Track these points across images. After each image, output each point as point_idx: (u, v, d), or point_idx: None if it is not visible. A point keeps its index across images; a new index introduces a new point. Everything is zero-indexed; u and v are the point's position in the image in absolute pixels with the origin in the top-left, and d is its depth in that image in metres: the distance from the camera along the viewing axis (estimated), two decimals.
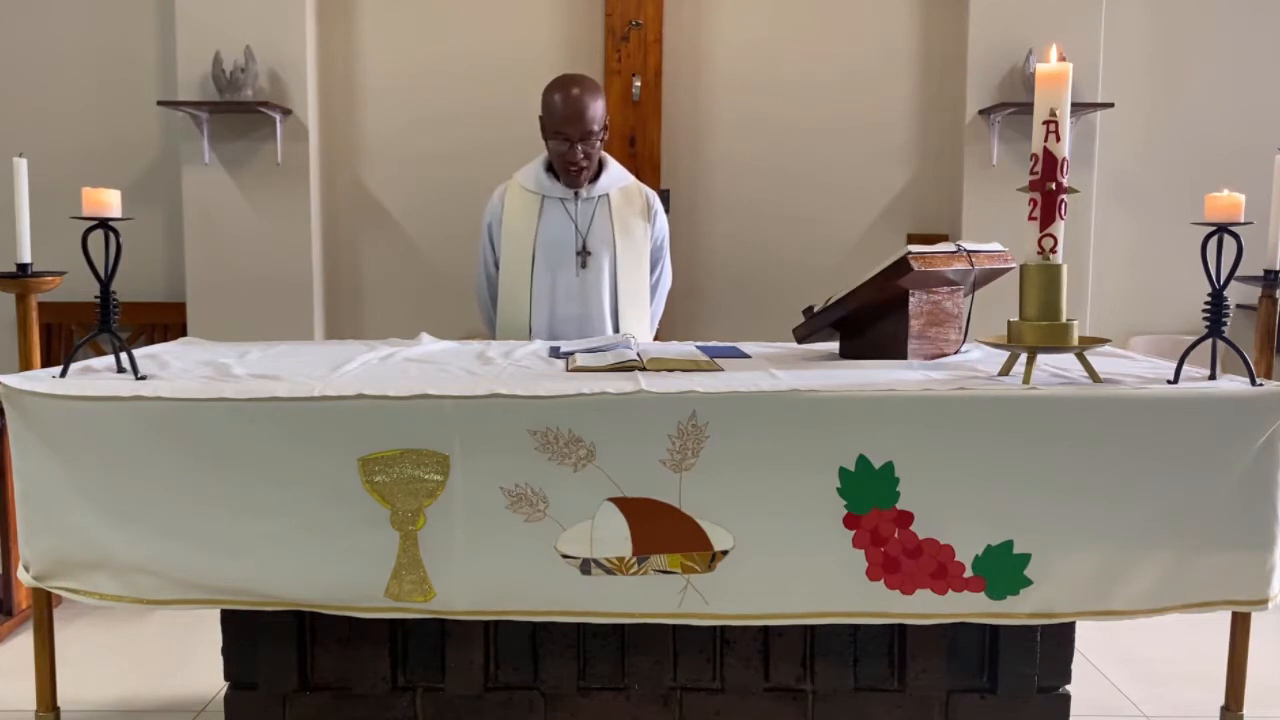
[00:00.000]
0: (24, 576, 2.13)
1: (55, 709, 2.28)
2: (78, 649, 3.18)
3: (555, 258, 3.05)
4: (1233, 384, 2.12)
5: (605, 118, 3.01)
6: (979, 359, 2.44)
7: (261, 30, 4.29)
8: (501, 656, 2.32)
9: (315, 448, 2.02)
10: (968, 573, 2.06)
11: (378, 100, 4.62)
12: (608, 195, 3.09)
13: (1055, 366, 2.29)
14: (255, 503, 2.03)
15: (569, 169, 3.00)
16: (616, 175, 3.14)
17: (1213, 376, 2.16)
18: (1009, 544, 2.05)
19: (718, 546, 2.05)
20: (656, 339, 3.29)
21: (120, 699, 2.89)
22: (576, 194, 3.06)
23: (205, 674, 2.91)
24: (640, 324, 3.13)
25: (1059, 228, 2.10)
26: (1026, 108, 4.04)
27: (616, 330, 3.07)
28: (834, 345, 2.57)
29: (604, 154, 3.13)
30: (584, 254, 3.05)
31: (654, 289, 3.22)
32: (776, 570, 2.06)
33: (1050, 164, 2.09)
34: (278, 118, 4.31)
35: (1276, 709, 2.85)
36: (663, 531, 2.04)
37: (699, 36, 4.61)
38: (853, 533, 2.05)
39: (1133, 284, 4.74)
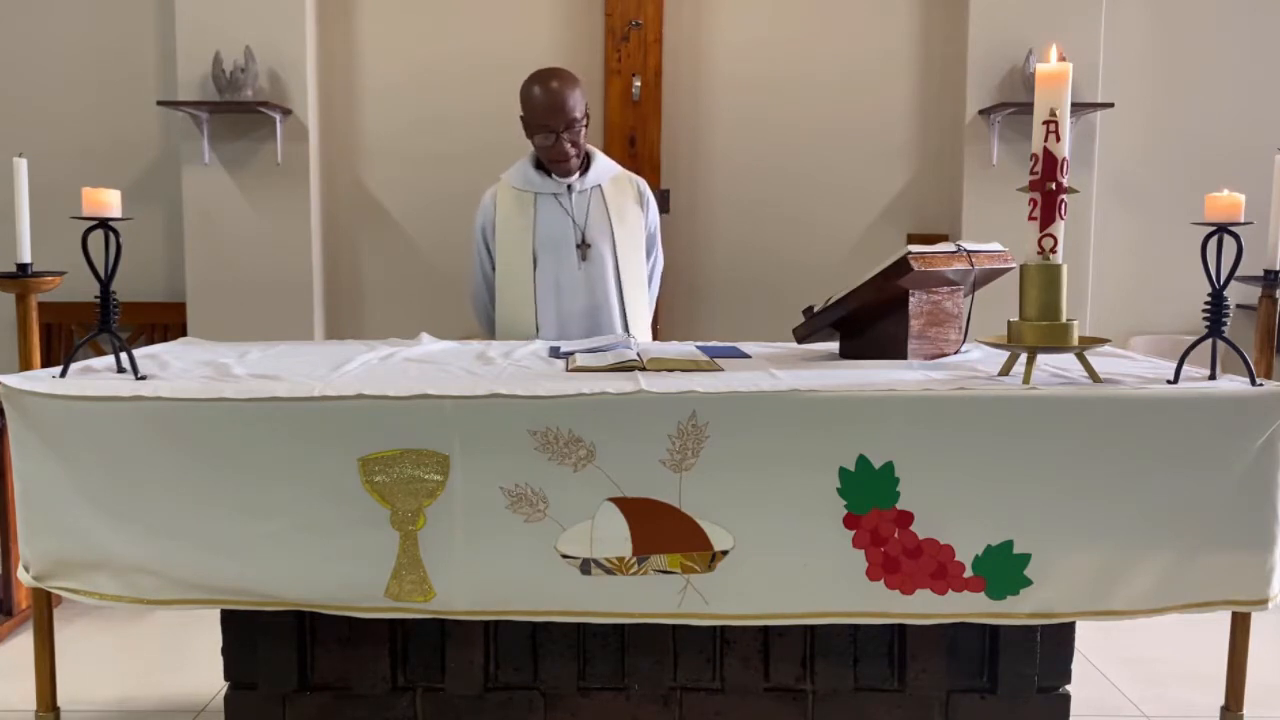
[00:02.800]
0: (24, 576, 2.13)
1: (55, 709, 2.28)
2: (78, 649, 3.18)
3: (556, 253, 3.04)
4: (1233, 384, 2.12)
5: (585, 104, 3.00)
6: (979, 359, 2.44)
7: (261, 30, 4.29)
8: (501, 656, 2.32)
9: (315, 448, 2.02)
10: (968, 573, 2.06)
11: (378, 100, 4.62)
12: (600, 186, 3.10)
13: (1055, 366, 2.29)
14: (255, 503, 2.03)
15: (557, 161, 3.00)
16: (605, 166, 3.14)
17: (1213, 376, 2.16)
18: (1009, 544, 2.05)
19: (718, 546, 2.05)
20: (653, 329, 3.29)
21: (120, 699, 2.89)
22: (570, 187, 3.06)
23: (205, 674, 2.91)
24: (643, 310, 3.15)
25: (1059, 228, 2.10)
26: (1026, 108, 4.04)
27: (623, 318, 3.08)
28: (834, 345, 2.57)
29: (590, 147, 3.12)
30: (584, 246, 3.04)
31: (650, 276, 3.23)
32: (776, 570, 2.06)
33: (1050, 164, 2.09)
34: (278, 118, 4.31)
35: (1276, 709, 2.85)
36: (663, 531, 2.04)
37: (699, 36, 4.61)
38: (853, 533, 2.05)
39: (1133, 284, 4.74)
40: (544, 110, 2.94)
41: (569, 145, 2.97)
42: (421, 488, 2.03)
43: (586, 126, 3.03)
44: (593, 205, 3.07)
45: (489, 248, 3.13)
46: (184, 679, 2.99)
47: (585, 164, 3.10)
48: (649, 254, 3.20)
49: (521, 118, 3.01)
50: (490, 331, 3.21)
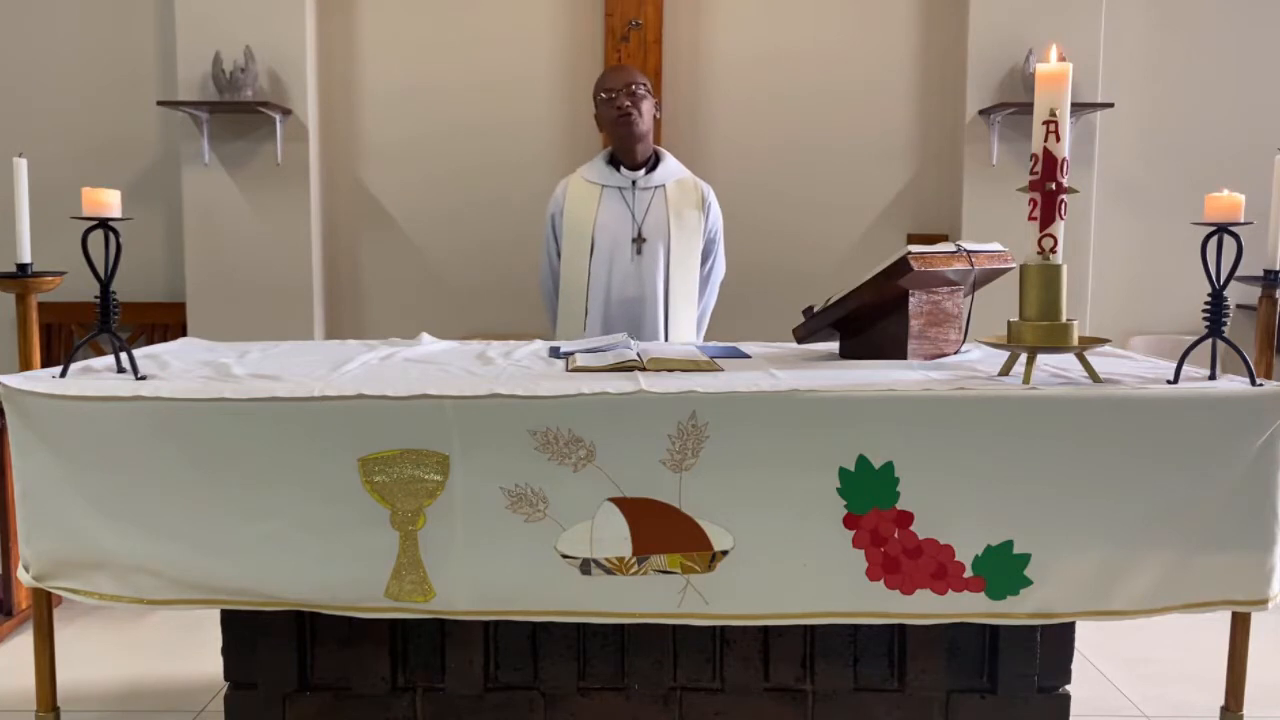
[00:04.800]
0: (24, 576, 2.13)
1: (55, 709, 2.28)
2: (78, 649, 3.18)
3: (612, 244, 3.16)
4: (1233, 384, 2.12)
5: (651, 89, 3.18)
6: (979, 359, 2.44)
7: (261, 30, 4.29)
8: (501, 656, 2.32)
9: (315, 448, 2.02)
10: (968, 573, 2.06)
11: (378, 100, 4.62)
12: (664, 186, 3.22)
13: (1055, 366, 2.29)
14: (255, 503, 2.03)
15: (618, 119, 3.12)
16: (673, 168, 3.27)
17: (1213, 376, 2.16)
18: (1009, 544, 2.05)
19: (718, 546, 2.05)
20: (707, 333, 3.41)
21: (120, 699, 2.89)
22: (634, 183, 3.17)
23: (205, 674, 2.91)
24: (688, 311, 3.24)
25: (1059, 228, 2.10)
26: (1026, 108, 4.04)
27: (666, 316, 3.17)
28: (834, 345, 2.57)
29: (660, 148, 3.28)
30: (639, 241, 3.15)
31: (707, 279, 3.33)
32: (776, 570, 2.06)
33: (1050, 164, 2.09)
34: (278, 118, 4.31)
35: (1276, 709, 2.85)
36: (663, 531, 2.04)
37: (699, 37, 4.60)
38: (853, 533, 2.05)
39: (1133, 284, 4.74)
40: (607, 75, 3.18)
41: (629, 102, 3.09)
42: (421, 488, 2.03)
43: (654, 108, 3.19)
44: (654, 204, 3.18)
45: (556, 235, 3.26)
46: (184, 679, 2.99)
47: (654, 164, 3.23)
48: (707, 259, 3.31)
49: (595, 115, 3.22)
50: (553, 317, 3.32)
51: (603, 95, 3.14)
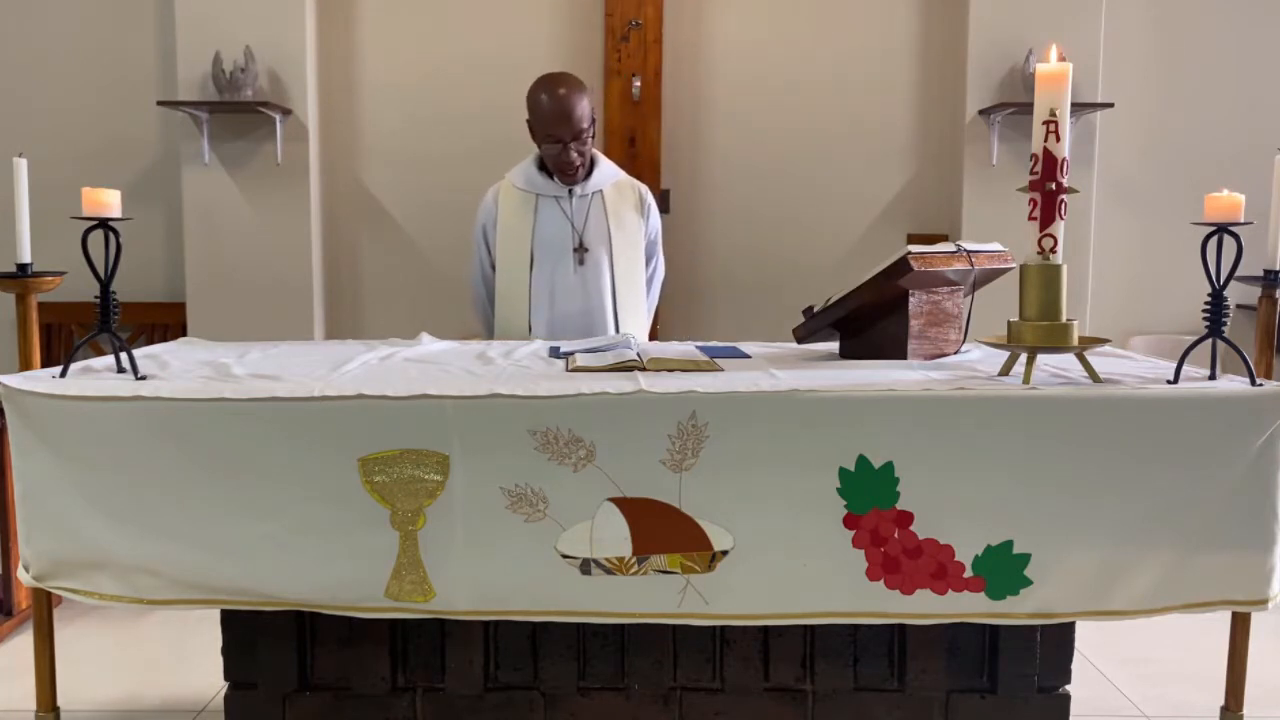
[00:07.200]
0: (24, 576, 2.13)
1: (55, 709, 2.28)
2: (78, 649, 3.18)
3: (553, 256, 3.04)
4: (1233, 384, 2.12)
5: (592, 112, 2.99)
6: (979, 359, 2.44)
7: (261, 30, 4.29)
8: (501, 656, 2.32)
9: (315, 448, 2.01)
10: (968, 573, 2.06)
11: (378, 100, 4.62)
12: (601, 191, 3.09)
13: (1055, 366, 2.29)
14: (255, 503, 2.03)
15: (563, 170, 3.00)
16: (608, 171, 3.13)
17: (1213, 376, 2.16)
18: (1009, 544, 2.05)
19: (718, 546, 2.05)
20: (652, 334, 3.28)
21: (120, 699, 2.89)
22: (571, 191, 3.05)
23: (205, 674, 2.91)
24: (638, 318, 3.13)
25: (1059, 228, 2.10)
26: (1026, 108, 4.04)
27: (616, 325, 3.07)
28: (834, 345, 2.57)
29: (594, 151, 3.11)
30: (581, 251, 3.04)
31: (650, 283, 3.21)
32: (776, 570, 2.05)
33: (1050, 164, 2.09)
34: (277, 118, 4.31)
35: (1276, 709, 2.85)
36: (663, 531, 2.04)
37: (699, 36, 4.61)
38: (853, 533, 2.05)
39: (1133, 284, 4.74)
40: (552, 120, 2.92)
41: (575, 155, 2.96)
42: (421, 488, 2.03)
43: (594, 132, 3.02)
44: (593, 210, 3.07)
45: (489, 246, 3.12)
46: (184, 679, 2.99)
47: (589, 169, 3.08)
48: (649, 261, 3.20)
49: (528, 121, 3.00)
50: (488, 331, 3.20)
51: (549, 137, 2.93)
